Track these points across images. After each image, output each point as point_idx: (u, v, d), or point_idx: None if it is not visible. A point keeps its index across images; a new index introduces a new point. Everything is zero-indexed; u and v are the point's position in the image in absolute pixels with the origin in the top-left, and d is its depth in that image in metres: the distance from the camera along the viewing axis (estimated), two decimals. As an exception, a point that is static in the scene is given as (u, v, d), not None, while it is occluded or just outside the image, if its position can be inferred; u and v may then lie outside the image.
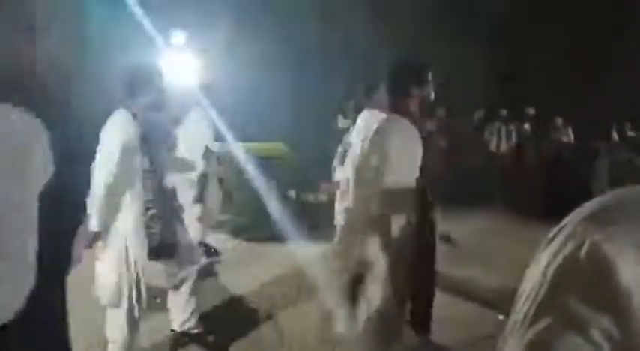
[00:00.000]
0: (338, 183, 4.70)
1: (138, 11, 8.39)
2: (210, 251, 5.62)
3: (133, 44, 9.13)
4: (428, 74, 2.76)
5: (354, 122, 4.61)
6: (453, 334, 3.61)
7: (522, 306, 0.69)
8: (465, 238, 5.87)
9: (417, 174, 2.61)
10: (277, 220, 6.69)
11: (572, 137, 10.11)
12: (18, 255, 1.50)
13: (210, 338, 3.61)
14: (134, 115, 3.05)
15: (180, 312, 3.52)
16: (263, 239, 6.28)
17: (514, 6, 12.76)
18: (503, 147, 10.26)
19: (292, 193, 8.58)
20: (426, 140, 2.70)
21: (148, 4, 8.71)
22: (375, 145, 2.68)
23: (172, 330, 3.57)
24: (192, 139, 5.13)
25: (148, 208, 3.08)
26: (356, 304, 2.68)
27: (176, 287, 3.46)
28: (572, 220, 0.69)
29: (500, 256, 5.19)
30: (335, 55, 12.88)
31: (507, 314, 0.72)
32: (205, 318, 3.76)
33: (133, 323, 3.04)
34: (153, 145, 3.17)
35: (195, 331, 3.56)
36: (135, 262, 2.96)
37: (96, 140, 2.96)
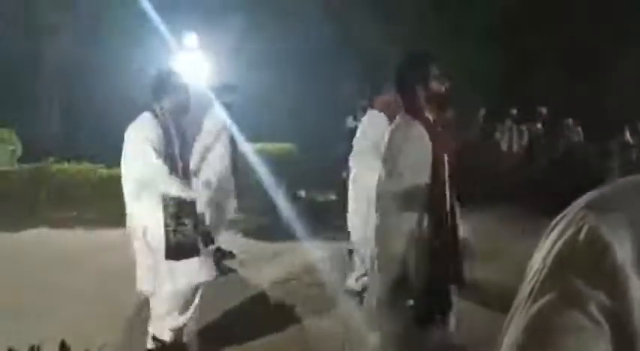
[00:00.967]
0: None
1: (152, 14, 8.49)
2: (225, 254, 5.70)
3: (147, 46, 9.26)
4: (433, 66, 2.67)
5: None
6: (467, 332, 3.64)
7: (527, 286, 0.74)
8: (475, 238, 5.87)
9: (427, 177, 2.57)
10: (288, 220, 6.76)
11: (582, 136, 10.05)
12: None
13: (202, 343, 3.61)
14: (158, 118, 3.20)
15: (177, 315, 3.44)
16: (274, 239, 6.34)
17: (524, 4, 12.69)
18: (515, 146, 10.23)
19: (302, 193, 8.65)
20: (438, 140, 2.62)
21: (161, 7, 8.80)
22: (385, 154, 2.68)
23: (155, 338, 3.45)
24: (210, 138, 5.24)
25: (166, 206, 3.15)
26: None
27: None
28: (572, 208, 0.75)
29: (509, 256, 5.20)
30: (344, 56, 12.90)
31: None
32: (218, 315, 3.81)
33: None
34: (176, 147, 3.26)
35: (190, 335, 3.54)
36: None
37: (112, 135, 3.11)
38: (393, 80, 2.79)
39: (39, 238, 6.15)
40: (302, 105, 12.00)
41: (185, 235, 3.17)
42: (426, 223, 2.55)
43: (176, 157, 3.27)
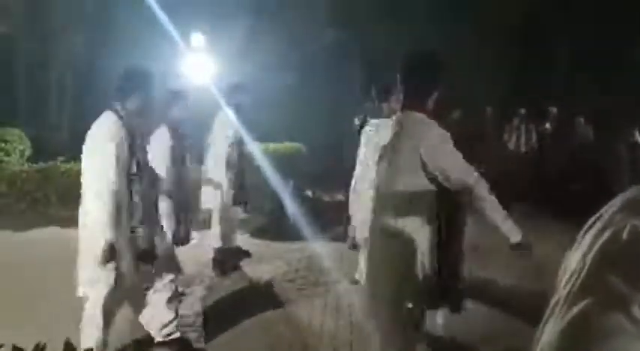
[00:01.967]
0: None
1: (160, 15, 8.54)
2: (242, 253, 5.76)
3: (156, 46, 9.31)
4: (443, 68, 2.64)
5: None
6: (468, 331, 3.65)
7: (563, 289, 0.73)
8: (483, 238, 5.88)
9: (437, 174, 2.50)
10: (295, 220, 6.79)
11: (592, 136, 9.98)
12: None
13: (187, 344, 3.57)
14: (121, 119, 3.08)
15: (159, 318, 3.42)
16: (280, 238, 6.37)
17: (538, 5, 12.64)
18: (523, 146, 10.18)
19: (309, 193, 8.67)
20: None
21: (168, 8, 8.85)
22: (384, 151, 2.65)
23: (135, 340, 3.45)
24: (220, 139, 5.27)
25: (132, 212, 3.09)
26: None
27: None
28: (607, 210, 0.74)
29: (516, 257, 5.17)
30: (352, 57, 12.91)
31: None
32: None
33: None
34: (139, 149, 3.17)
35: (174, 336, 3.50)
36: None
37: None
38: (403, 76, 2.69)
39: (49, 237, 6.21)
40: (310, 105, 12.02)
41: (145, 240, 3.13)
42: (426, 225, 2.51)
43: (137, 159, 3.16)
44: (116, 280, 3.05)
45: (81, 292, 3.12)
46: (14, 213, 6.83)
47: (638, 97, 10.04)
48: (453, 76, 2.74)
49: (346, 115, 9.16)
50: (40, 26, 11.13)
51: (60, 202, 6.82)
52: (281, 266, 5.45)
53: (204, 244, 5.43)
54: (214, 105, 5.50)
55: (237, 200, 5.42)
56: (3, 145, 7.30)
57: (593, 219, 0.76)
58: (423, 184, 2.47)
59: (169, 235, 4.28)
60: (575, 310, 0.68)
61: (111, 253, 2.96)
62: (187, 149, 4.66)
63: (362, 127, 4.62)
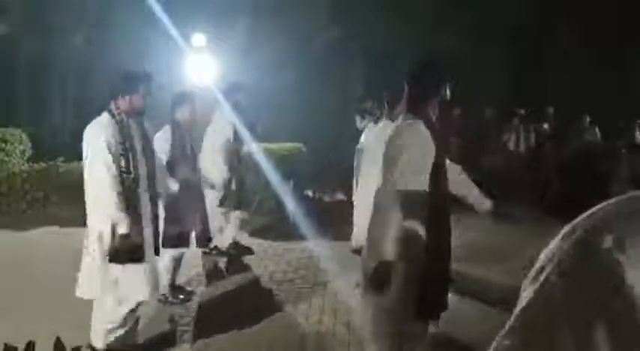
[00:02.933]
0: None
1: (161, 15, 8.55)
2: (244, 250, 5.78)
3: (156, 46, 9.33)
4: (446, 74, 2.70)
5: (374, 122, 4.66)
6: (462, 329, 3.66)
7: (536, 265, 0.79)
8: (480, 237, 5.89)
9: (427, 178, 2.54)
10: (295, 219, 6.80)
11: (598, 136, 9.96)
12: None
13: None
14: (114, 118, 3.17)
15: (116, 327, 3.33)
16: (281, 238, 6.38)
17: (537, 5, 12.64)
18: (522, 146, 10.18)
19: (309, 193, 8.68)
20: (440, 143, 2.61)
21: (169, 8, 8.86)
22: (386, 153, 2.67)
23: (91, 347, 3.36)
24: (218, 138, 5.28)
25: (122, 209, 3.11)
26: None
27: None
28: (585, 220, 0.76)
29: (512, 256, 5.19)
30: (353, 56, 12.92)
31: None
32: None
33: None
34: (131, 147, 3.21)
35: None
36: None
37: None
38: (407, 80, 2.74)
39: (49, 236, 6.23)
40: (311, 105, 12.03)
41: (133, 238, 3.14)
42: (423, 227, 2.53)
43: (138, 156, 3.25)
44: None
45: (79, 292, 3.15)
46: (15, 212, 6.85)
47: (638, 97, 10.04)
48: (456, 75, 2.78)
49: (347, 114, 9.19)
50: (40, 26, 11.14)
51: (60, 201, 6.83)
52: (281, 266, 5.47)
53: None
54: (215, 104, 5.51)
55: (237, 200, 5.44)
56: (3, 145, 7.32)
57: (569, 227, 0.78)
58: (419, 186, 2.51)
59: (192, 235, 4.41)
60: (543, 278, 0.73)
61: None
62: (192, 150, 4.66)
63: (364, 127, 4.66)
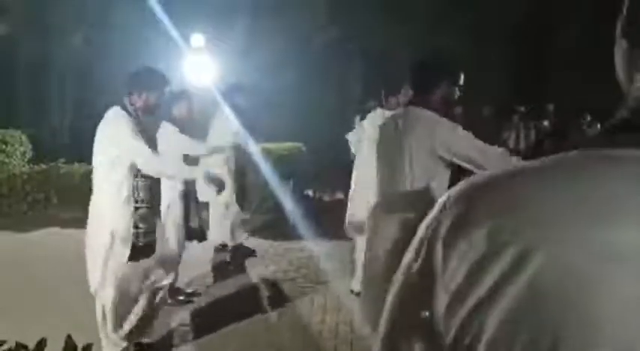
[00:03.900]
0: None
1: (160, 15, 8.56)
2: (247, 252, 5.79)
3: (156, 47, 9.33)
4: (458, 72, 2.69)
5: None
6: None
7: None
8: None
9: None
10: (295, 219, 6.80)
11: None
12: None
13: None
14: (129, 114, 3.13)
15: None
16: (280, 238, 6.39)
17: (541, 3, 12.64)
18: (522, 144, 10.18)
19: (310, 192, 8.69)
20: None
21: (168, 8, 8.87)
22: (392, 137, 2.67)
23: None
24: (219, 136, 5.29)
25: (136, 208, 3.09)
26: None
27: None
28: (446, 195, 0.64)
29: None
30: (352, 56, 12.91)
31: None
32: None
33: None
34: (146, 142, 3.16)
35: None
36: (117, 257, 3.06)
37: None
38: (412, 76, 2.72)
39: (50, 237, 6.24)
40: (310, 105, 12.04)
41: (148, 235, 3.13)
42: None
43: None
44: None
45: (93, 289, 3.16)
46: (15, 214, 6.86)
47: None
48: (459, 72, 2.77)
49: (347, 114, 9.20)
50: (40, 27, 11.15)
51: (60, 203, 6.84)
52: (282, 265, 5.48)
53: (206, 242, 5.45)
54: (214, 105, 5.52)
55: (237, 199, 5.45)
56: (4, 146, 7.32)
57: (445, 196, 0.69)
58: (432, 175, 2.49)
59: (184, 233, 4.38)
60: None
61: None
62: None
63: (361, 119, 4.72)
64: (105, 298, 3.12)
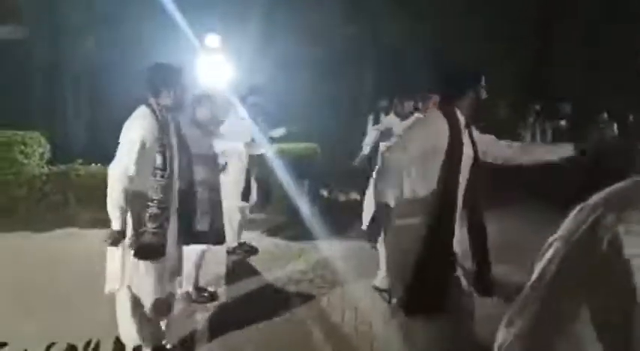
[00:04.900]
0: None
1: (175, 15, 8.60)
2: (249, 250, 5.81)
3: (170, 46, 9.37)
4: (482, 79, 2.74)
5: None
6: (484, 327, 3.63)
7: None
8: (497, 235, 5.84)
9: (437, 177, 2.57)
10: (311, 219, 6.80)
11: (616, 133, 9.84)
12: None
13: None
14: (154, 113, 3.13)
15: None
16: (296, 238, 6.39)
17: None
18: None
19: (325, 193, 8.68)
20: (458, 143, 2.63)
21: (183, 8, 8.91)
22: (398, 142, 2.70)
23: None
24: (234, 135, 5.31)
25: (148, 206, 3.09)
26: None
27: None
28: (592, 199, 0.80)
29: (530, 254, 5.15)
30: (366, 56, 12.88)
31: None
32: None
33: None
34: (168, 143, 3.18)
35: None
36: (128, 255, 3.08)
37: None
38: (444, 83, 2.79)
39: (68, 237, 6.31)
40: (325, 105, 12.02)
41: (156, 234, 3.11)
42: (430, 225, 2.54)
43: (174, 152, 3.23)
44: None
45: (107, 289, 3.17)
46: (34, 215, 6.94)
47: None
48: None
49: (362, 114, 9.17)
50: (53, 29, 11.26)
51: (78, 203, 6.90)
52: (298, 265, 5.48)
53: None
54: (229, 106, 5.54)
55: (256, 200, 5.48)
56: (23, 148, 7.40)
57: (579, 207, 0.82)
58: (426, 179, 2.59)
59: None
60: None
61: (115, 239, 3.04)
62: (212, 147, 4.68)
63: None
64: (122, 298, 3.15)
